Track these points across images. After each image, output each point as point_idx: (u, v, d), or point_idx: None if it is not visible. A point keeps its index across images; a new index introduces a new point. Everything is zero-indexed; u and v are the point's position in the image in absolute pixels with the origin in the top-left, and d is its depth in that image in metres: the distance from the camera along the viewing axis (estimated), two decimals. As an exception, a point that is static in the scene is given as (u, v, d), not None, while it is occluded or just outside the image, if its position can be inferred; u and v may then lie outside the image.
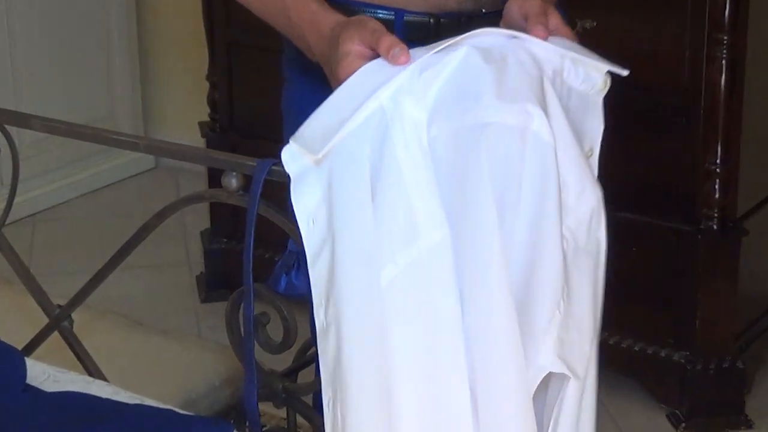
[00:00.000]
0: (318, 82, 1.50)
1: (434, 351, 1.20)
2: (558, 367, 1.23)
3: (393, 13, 1.60)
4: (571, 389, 1.27)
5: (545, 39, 1.26)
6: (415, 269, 1.18)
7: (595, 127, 1.29)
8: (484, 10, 1.54)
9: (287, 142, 1.41)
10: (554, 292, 1.20)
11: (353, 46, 1.31)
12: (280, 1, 1.55)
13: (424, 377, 1.21)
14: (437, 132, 1.18)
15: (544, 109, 1.16)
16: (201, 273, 3.20)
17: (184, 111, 3.86)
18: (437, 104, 1.20)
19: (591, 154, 1.28)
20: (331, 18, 1.46)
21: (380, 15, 1.61)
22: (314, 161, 1.23)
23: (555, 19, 1.32)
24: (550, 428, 1.33)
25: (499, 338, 1.17)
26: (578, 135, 1.24)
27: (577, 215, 1.24)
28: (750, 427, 2.70)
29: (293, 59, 1.71)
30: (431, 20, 1.58)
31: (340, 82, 1.29)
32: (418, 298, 1.17)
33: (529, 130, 1.16)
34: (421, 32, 1.55)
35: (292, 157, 1.26)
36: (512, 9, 1.42)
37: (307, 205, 1.26)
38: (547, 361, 1.23)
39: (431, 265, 1.18)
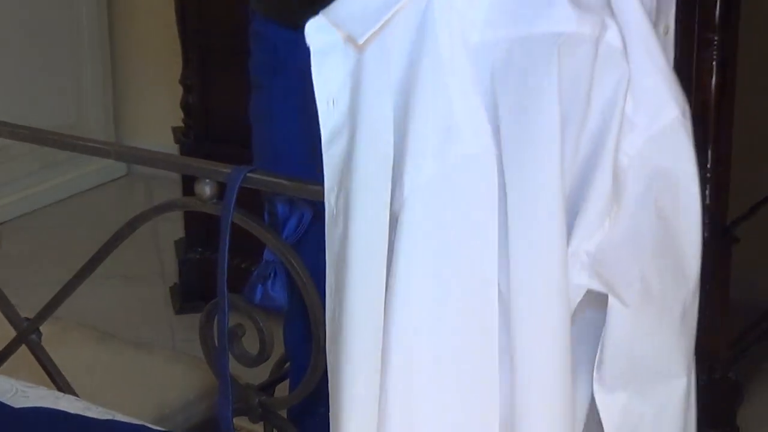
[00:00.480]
0: (291, 85, 1.49)
1: (457, 262, 1.14)
2: (596, 286, 1.20)
3: None
4: (616, 315, 1.22)
5: None
6: (448, 177, 1.12)
7: (670, 1, 1.24)
8: None
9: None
10: (600, 207, 1.16)
11: None
12: None
13: (439, 279, 1.19)
14: (494, 35, 1.08)
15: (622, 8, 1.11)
16: (175, 284, 3.12)
17: (157, 117, 3.84)
18: (498, 3, 1.11)
19: (666, 32, 1.23)
20: None
21: None
22: (348, 41, 1.16)
23: None
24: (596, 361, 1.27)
25: (542, 257, 1.12)
26: (655, 14, 1.19)
27: (648, 132, 1.19)
28: (738, 434, 2.72)
29: (262, 62, 1.70)
30: None
31: None
32: (445, 207, 1.11)
33: (603, 41, 1.10)
34: None
35: (318, 30, 1.17)
36: None
37: (328, 84, 1.20)
38: (584, 280, 1.19)
39: (468, 174, 1.11)
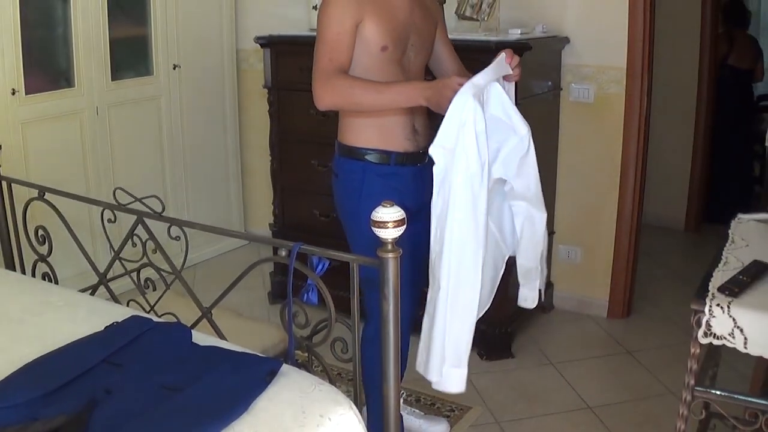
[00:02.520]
0: (366, 174, 2.78)
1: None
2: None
3: (388, 153, 2.79)
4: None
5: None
6: (471, 179, 2.48)
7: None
8: (421, 150, 2.75)
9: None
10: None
11: (456, 85, 2.43)
12: (374, 90, 2.61)
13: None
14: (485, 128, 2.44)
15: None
16: (269, 292, 4.89)
17: (262, 214, 5.73)
18: (490, 127, 2.47)
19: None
20: (418, 82, 2.70)
21: (380, 153, 2.79)
22: (444, 149, 2.43)
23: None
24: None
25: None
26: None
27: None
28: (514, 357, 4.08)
29: (342, 159, 2.81)
30: (405, 154, 2.75)
31: (446, 109, 2.40)
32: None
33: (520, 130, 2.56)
34: (404, 159, 2.78)
35: (434, 149, 2.44)
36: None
37: (438, 166, 2.47)
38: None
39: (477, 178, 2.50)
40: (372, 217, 1.99)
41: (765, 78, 8.55)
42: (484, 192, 2.39)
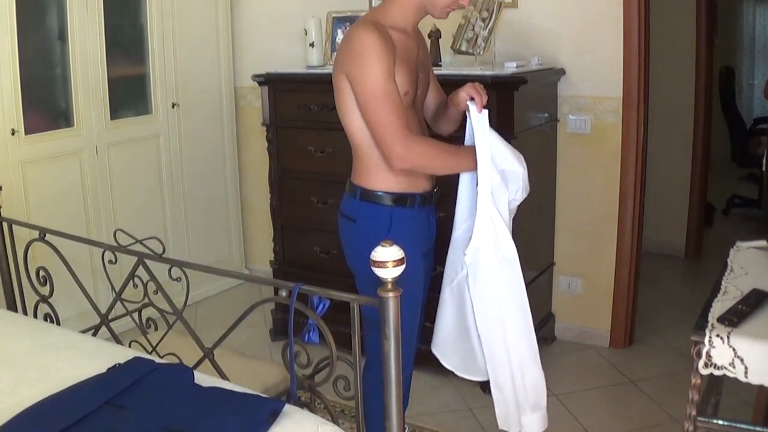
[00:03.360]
0: (393, 219, 2.74)
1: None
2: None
3: (413, 196, 2.79)
4: None
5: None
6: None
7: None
8: (435, 189, 2.78)
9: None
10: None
11: None
12: (454, 158, 2.70)
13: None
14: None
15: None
16: (271, 329, 4.86)
17: (263, 251, 5.83)
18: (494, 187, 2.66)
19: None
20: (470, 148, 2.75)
21: (406, 197, 2.77)
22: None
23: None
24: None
25: None
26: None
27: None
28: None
29: (362, 204, 2.75)
30: (424, 195, 2.79)
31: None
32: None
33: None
34: (424, 200, 2.79)
35: (469, 255, 2.72)
36: (459, 94, 2.78)
37: (469, 259, 2.71)
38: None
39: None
40: (371, 257, 1.98)
41: (761, 101, 8.62)
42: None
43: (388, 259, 1.98)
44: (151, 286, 2.76)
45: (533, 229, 4.39)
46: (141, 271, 2.78)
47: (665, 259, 6.29)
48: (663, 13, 5.64)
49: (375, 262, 1.99)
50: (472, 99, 2.68)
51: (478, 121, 2.64)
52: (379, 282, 2.03)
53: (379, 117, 2.54)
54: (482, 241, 2.64)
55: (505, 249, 2.64)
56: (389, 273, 2.00)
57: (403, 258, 1.99)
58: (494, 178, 2.60)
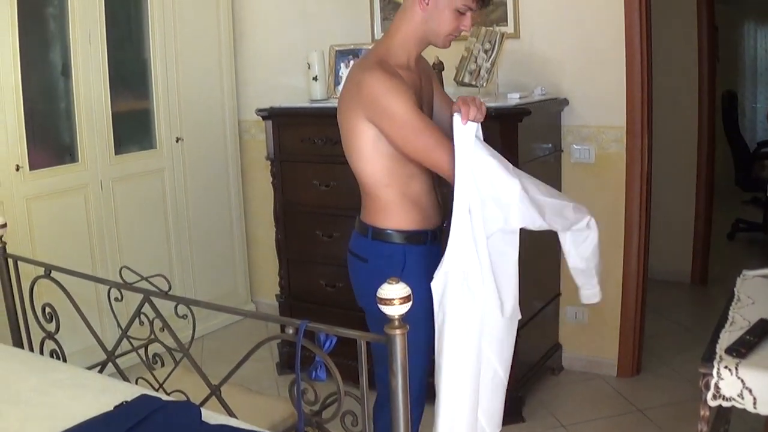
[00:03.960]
0: (407, 257, 2.69)
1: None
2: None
3: (426, 232, 2.76)
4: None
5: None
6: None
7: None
8: (444, 224, 2.75)
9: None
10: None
11: None
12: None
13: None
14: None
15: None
16: (277, 362, 4.85)
17: (268, 283, 5.63)
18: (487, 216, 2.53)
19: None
20: None
21: (419, 234, 2.75)
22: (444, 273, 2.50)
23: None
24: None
25: None
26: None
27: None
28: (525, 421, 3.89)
29: (374, 244, 2.73)
30: (434, 231, 2.77)
31: None
32: None
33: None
34: (434, 236, 2.76)
35: (437, 280, 2.52)
36: (452, 105, 2.58)
37: (437, 285, 2.52)
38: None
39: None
40: (378, 294, 1.98)
41: (764, 125, 8.63)
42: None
43: (394, 297, 1.97)
44: (157, 323, 2.75)
45: (539, 259, 4.37)
46: (147, 308, 2.77)
47: (671, 286, 6.27)
48: (665, 38, 5.66)
49: (382, 299, 1.98)
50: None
51: (461, 132, 2.51)
52: (386, 319, 2.02)
53: (427, 144, 2.54)
54: (452, 265, 2.51)
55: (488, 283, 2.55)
56: (396, 310, 1.99)
57: (410, 295, 1.98)
58: (473, 197, 2.47)
